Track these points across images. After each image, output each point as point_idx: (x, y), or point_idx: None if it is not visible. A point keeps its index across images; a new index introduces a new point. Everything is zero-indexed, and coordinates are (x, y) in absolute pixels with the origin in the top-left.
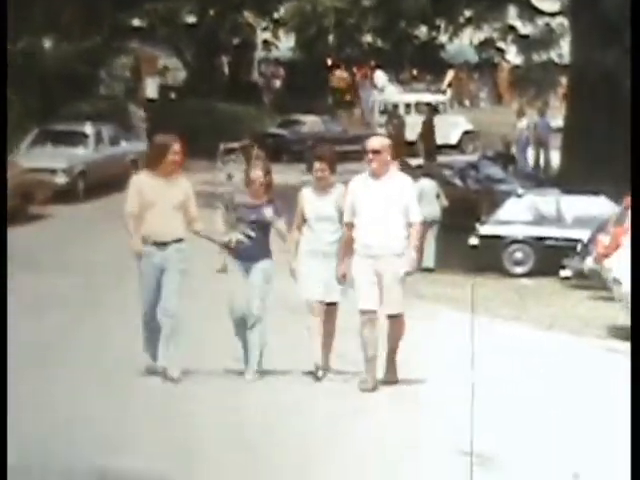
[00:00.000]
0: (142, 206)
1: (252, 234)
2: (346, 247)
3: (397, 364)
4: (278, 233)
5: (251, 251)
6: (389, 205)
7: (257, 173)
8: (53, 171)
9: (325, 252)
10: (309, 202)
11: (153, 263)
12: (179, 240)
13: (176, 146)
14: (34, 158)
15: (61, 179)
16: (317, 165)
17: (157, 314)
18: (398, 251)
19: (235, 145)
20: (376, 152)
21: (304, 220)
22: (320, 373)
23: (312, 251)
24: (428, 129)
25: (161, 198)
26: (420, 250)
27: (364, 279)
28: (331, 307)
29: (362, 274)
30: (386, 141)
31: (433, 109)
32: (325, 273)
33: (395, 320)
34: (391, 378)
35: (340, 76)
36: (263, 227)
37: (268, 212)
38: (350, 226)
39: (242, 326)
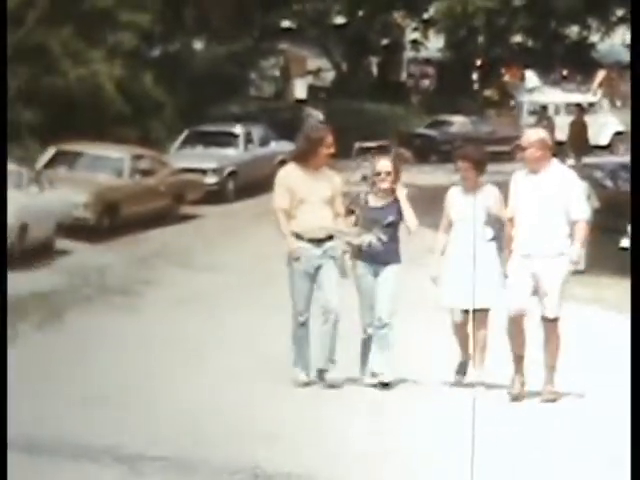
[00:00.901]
0: (292, 201)
1: (384, 238)
2: (507, 245)
3: (555, 376)
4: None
5: (381, 254)
6: (548, 201)
7: (383, 163)
8: (204, 172)
9: (471, 255)
10: (456, 202)
11: (309, 262)
12: (332, 237)
13: (329, 138)
14: (185, 159)
15: (211, 179)
16: (461, 164)
17: (308, 314)
18: (558, 251)
19: (371, 144)
20: (524, 148)
21: (451, 221)
22: (465, 382)
23: (457, 254)
24: (580, 130)
25: (312, 192)
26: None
27: (518, 280)
28: (477, 314)
29: (517, 275)
30: (535, 136)
31: (583, 109)
32: (470, 277)
33: (551, 325)
34: (549, 391)
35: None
36: (392, 229)
37: (394, 213)
38: (511, 223)
39: (366, 331)
